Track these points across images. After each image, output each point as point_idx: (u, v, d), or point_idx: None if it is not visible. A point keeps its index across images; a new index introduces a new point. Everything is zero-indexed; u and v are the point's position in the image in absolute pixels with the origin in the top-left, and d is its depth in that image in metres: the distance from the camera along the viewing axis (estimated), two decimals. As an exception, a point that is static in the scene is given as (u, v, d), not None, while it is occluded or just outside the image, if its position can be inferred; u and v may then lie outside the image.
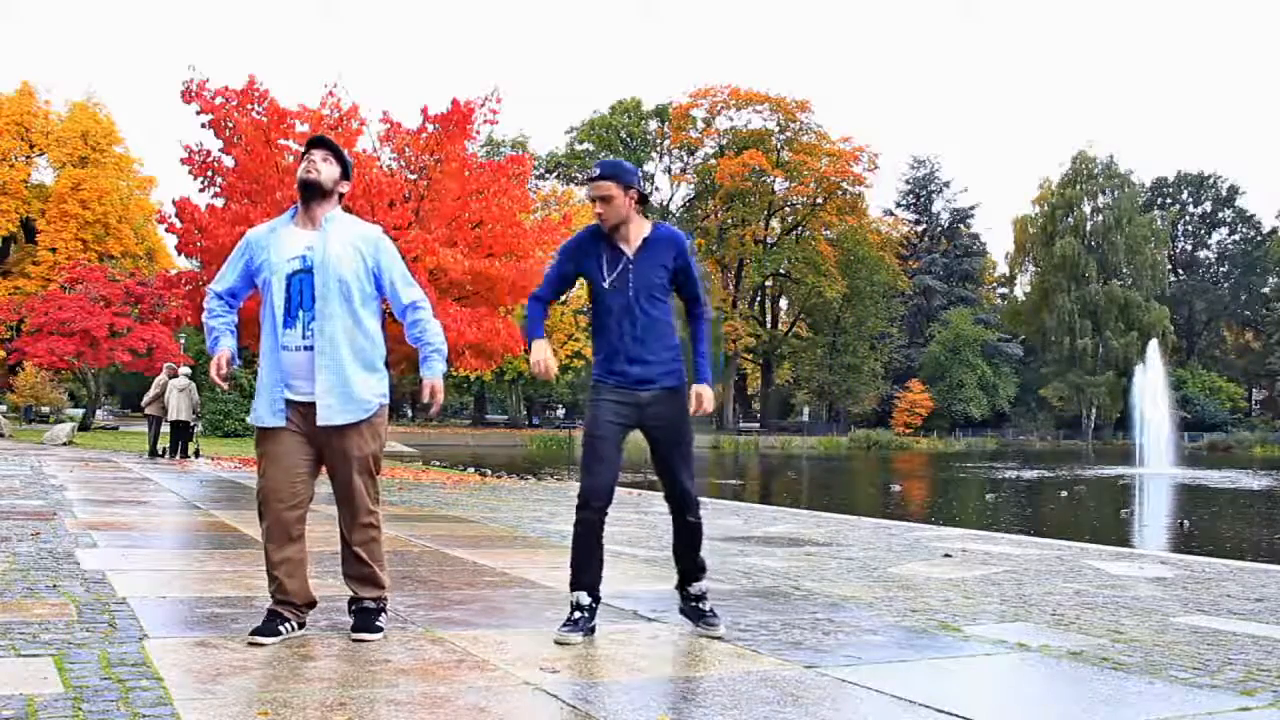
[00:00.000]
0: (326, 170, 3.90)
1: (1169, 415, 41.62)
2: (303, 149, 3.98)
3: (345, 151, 4.03)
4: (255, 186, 15.29)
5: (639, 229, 4.13)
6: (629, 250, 4.10)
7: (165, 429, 19.43)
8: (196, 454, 19.40)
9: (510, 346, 16.87)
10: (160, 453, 19.26)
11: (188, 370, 20.24)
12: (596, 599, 4.15)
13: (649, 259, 4.09)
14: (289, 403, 3.83)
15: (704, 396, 4.13)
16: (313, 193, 3.90)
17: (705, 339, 4.22)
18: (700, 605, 4.29)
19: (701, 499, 4.41)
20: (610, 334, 4.08)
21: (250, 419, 3.94)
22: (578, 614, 4.08)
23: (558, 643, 3.95)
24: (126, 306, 31.47)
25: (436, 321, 4.15)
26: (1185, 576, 6.77)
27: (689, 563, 4.32)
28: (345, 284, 3.85)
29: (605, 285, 4.07)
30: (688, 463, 4.18)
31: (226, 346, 3.97)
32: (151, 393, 19.61)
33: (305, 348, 3.83)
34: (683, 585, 4.35)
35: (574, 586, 4.12)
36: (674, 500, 4.23)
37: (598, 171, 4.11)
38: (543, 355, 4.07)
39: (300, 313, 3.84)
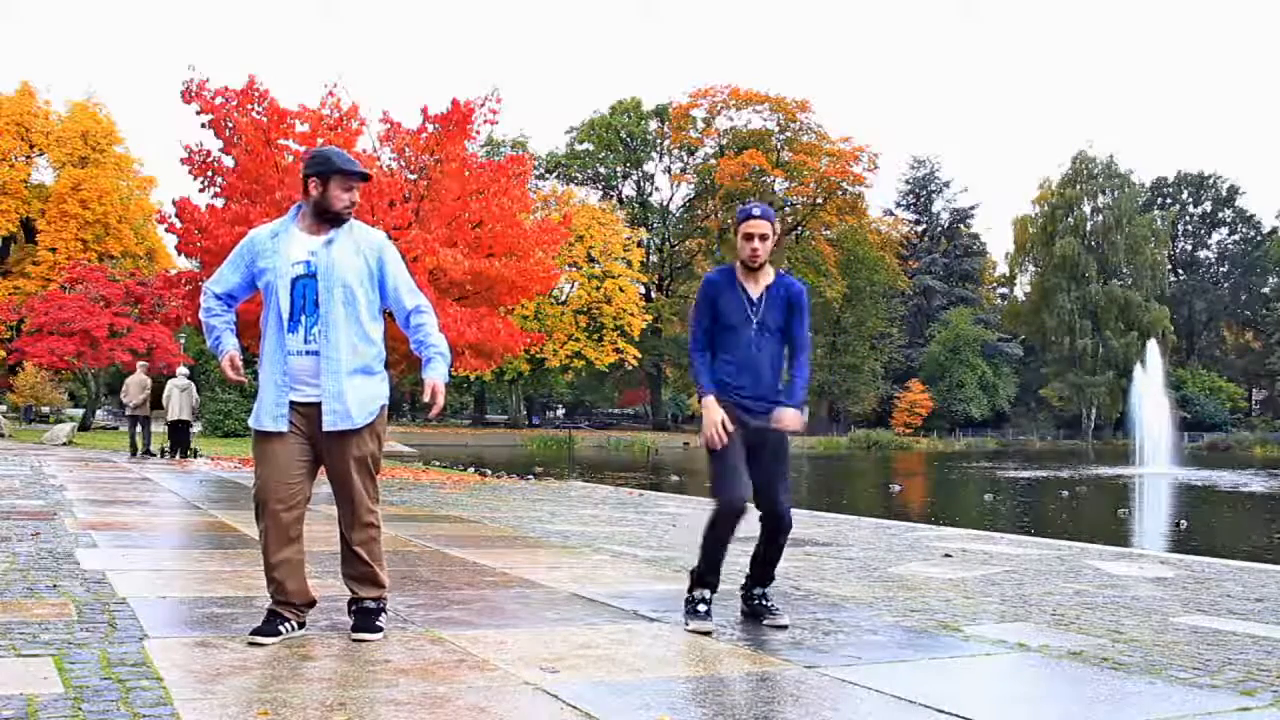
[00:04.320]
0: (355, 201, 3.94)
1: (1169, 415, 41.59)
2: (332, 168, 3.85)
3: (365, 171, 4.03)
4: (255, 186, 15.27)
5: (767, 273, 4.47)
6: (756, 291, 4.42)
7: (159, 428, 19.35)
8: (195, 453, 19.40)
9: (510, 346, 16.86)
10: (159, 453, 19.25)
11: (186, 370, 20.19)
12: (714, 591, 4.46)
13: (772, 301, 4.41)
14: (291, 404, 3.83)
15: (787, 417, 4.33)
16: (337, 220, 3.92)
17: (804, 372, 4.49)
18: (764, 602, 4.51)
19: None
20: (729, 363, 4.38)
21: (250, 421, 3.93)
22: (702, 606, 4.36)
23: (695, 631, 4.23)
24: (126, 306, 31.47)
25: (438, 327, 4.17)
26: (1185, 576, 6.77)
27: (764, 572, 4.54)
28: (349, 289, 3.85)
29: (735, 321, 4.37)
30: (785, 487, 4.42)
31: (232, 345, 3.98)
32: (140, 395, 19.25)
33: (309, 352, 3.83)
34: (748, 589, 4.58)
35: (703, 586, 4.40)
36: (769, 519, 4.43)
37: (758, 211, 4.41)
38: (717, 417, 4.27)
39: (304, 318, 3.83)
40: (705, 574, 4.39)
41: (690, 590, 4.44)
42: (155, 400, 19.83)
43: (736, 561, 4.90)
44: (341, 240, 3.90)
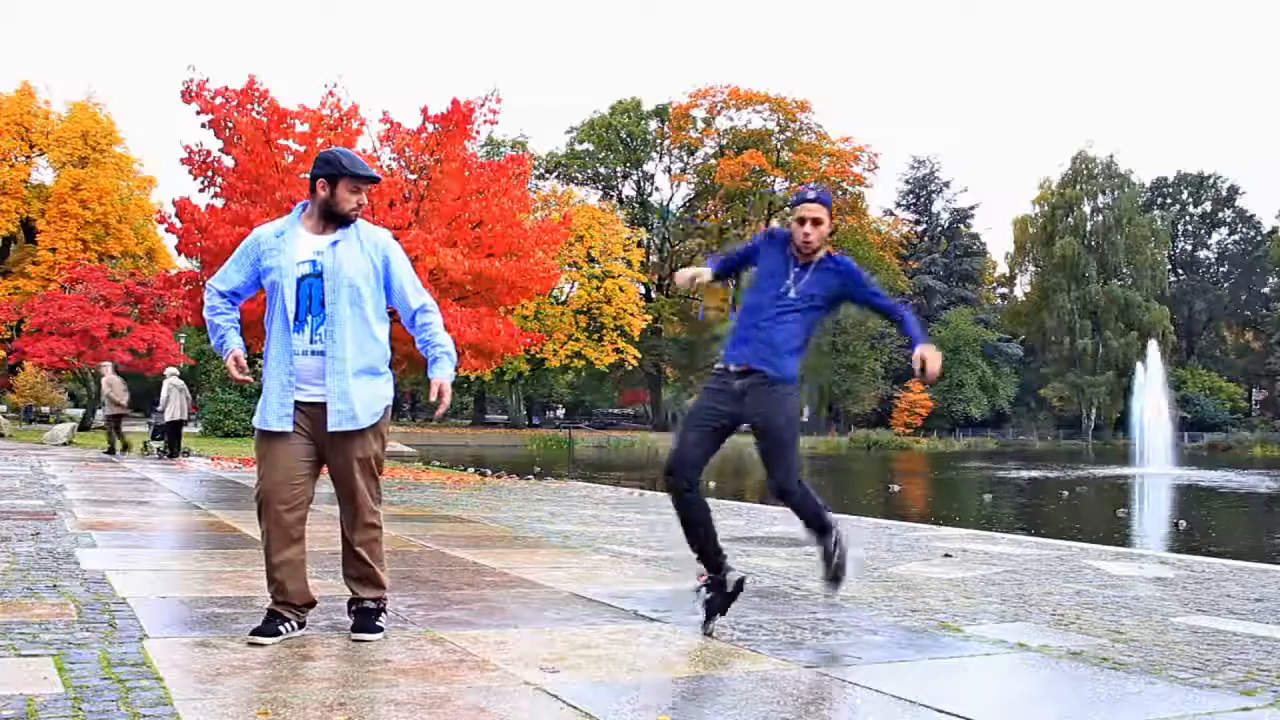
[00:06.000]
0: (362, 203, 3.94)
1: (1169, 415, 41.60)
2: (341, 171, 3.84)
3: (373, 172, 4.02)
4: (255, 186, 15.30)
5: (819, 254, 4.27)
6: (800, 263, 4.23)
7: (143, 427, 19.56)
8: (188, 453, 19.52)
9: (510, 346, 16.88)
10: (157, 453, 19.32)
11: (176, 370, 20.41)
12: (713, 560, 4.24)
13: (818, 273, 4.22)
14: (295, 404, 3.82)
15: (927, 356, 4.10)
16: (345, 221, 3.91)
17: (912, 324, 4.28)
18: (828, 545, 4.35)
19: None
20: (740, 327, 4.23)
21: (255, 421, 3.92)
22: (701, 592, 4.23)
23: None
24: (126, 306, 31.46)
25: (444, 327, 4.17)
26: (1185, 576, 6.77)
27: (809, 531, 4.37)
28: (356, 289, 3.84)
29: (772, 278, 4.21)
30: (788, 466, 4.21)
31: (237, 344, 3.96)
32: (126, 395, 19.76)
33: (315, 352, 3.81)
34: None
35: (702, 566, 4.28)
36: (783, 502, 4.30)
37: (813, 194, 4.25)
38: (698, 274, 4.35)
39: (309, 317, 3.82)
40: (688, 541, 4.28)
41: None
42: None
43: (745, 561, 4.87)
44: (347, 240, 3.89)
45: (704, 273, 4.38)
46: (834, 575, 4.37)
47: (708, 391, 4.26)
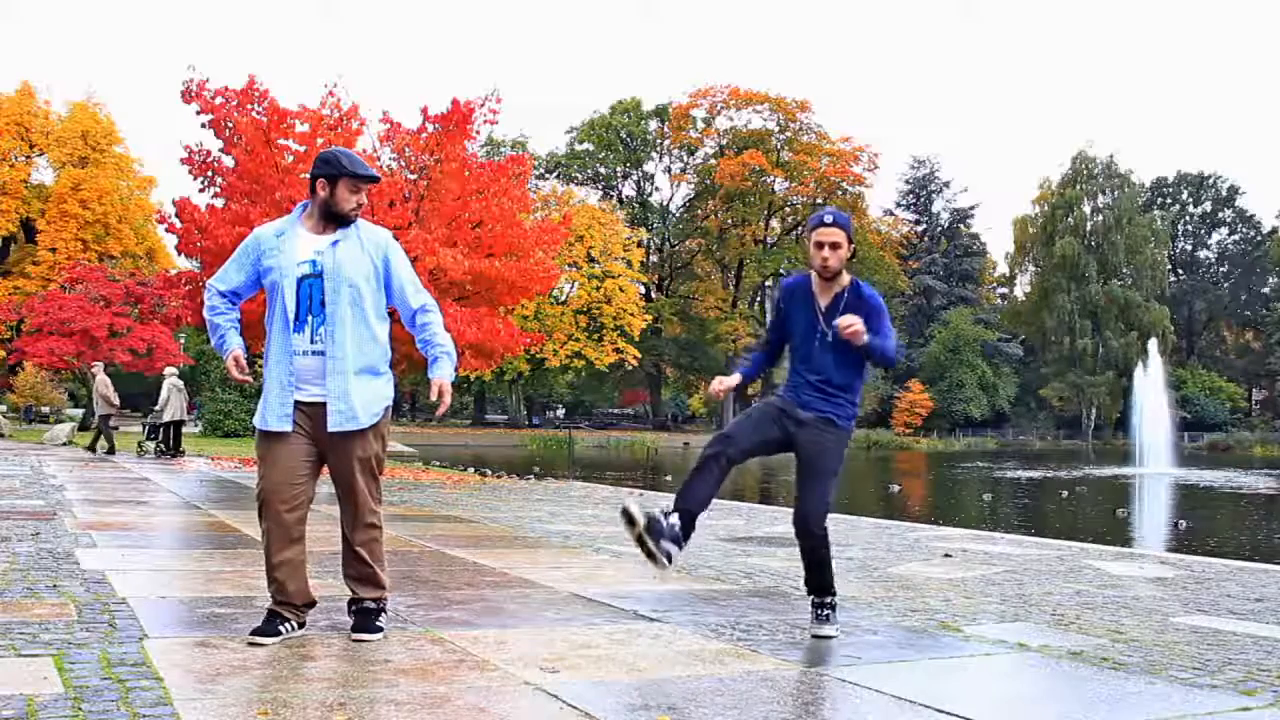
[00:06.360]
0: (362, 203, 3.93)
1: (1169, 415, 41.60)
2: (340, 170, 3.84)
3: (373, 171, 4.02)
4: (255, 186, 15.29)
5: (842, 281, 4.29)
6: (827, 300, 4.26)
7: (134, 427, 19.65)
8: (183, 452, 19.59)
9: (510, 346, 16.87)
10: (155, 453, 19.37)
11: (175, 370, 20.50)
12: (685, 525, 4.18)
13: (844, 310, 4.21)
14: (296, 404, 3.81)
15: (848, 320, 4.09)
16: (344, 221, 3.91)
17: (887, 341, 4.29)
18: (819, 613, 4.35)
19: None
20: (795, 377, 4.31)
21: (255, 421, 3.91)
22: (664, 523, 4.11)
23: (641, 547, 4.08)
24: (126, 306, 31.47)
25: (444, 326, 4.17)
26: (1185, 576, 6.78)
27: (808, 578, 4.40)
28: (356, 289, 3.84)
29: (804, 331, 4.28)
30: (814, 494, 4.22)
31: (237, 344, 3.96)
32: (114, 396, 20.02)
33: (315, 353, 3.81)
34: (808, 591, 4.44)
35: (675, 509, 4.17)
36: (796, 520, 4.29)
37: (829, 218, 4.24)
38: (726, 383, 4.36)
39: (310, 318, 3.81)
40: (680, 490, 4.24)
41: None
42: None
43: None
44: (348, 240, 3.89)
45: (733, 379, 4.40)
46: (818, 633, 4.31)
47: (773, 405, 4.30)
